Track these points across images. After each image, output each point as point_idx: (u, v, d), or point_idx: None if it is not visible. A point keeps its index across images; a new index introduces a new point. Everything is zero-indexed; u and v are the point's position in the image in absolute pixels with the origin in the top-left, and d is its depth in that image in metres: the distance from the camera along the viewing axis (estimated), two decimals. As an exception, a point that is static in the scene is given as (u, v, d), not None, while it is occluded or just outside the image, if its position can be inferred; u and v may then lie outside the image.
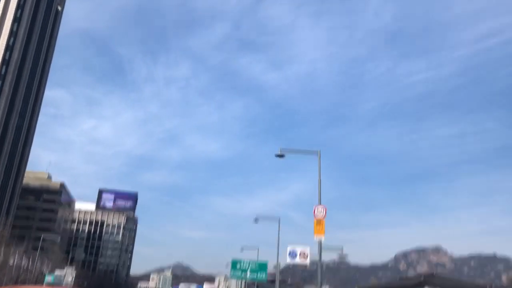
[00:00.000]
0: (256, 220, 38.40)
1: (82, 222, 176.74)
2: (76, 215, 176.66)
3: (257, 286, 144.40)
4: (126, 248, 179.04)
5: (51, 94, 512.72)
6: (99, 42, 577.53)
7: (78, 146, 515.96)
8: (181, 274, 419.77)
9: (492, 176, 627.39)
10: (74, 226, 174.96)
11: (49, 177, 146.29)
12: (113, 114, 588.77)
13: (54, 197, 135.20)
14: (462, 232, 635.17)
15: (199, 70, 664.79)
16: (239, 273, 39.36)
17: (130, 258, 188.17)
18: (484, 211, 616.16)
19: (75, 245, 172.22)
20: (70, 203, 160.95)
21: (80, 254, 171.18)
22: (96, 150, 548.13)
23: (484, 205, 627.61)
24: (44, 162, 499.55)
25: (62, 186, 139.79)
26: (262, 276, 39.58)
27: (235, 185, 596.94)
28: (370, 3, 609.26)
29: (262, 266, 39.74)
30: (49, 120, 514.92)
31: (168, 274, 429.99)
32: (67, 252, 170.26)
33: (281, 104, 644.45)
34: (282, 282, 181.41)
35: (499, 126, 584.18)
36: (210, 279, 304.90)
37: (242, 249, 46.15)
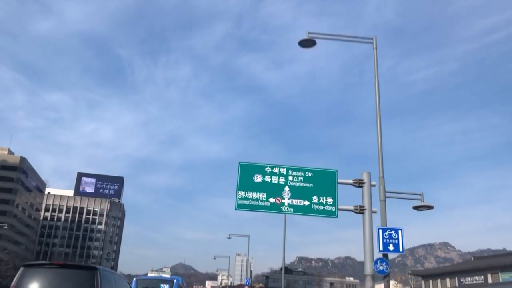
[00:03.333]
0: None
1: (57, 210, 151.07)
2: (50, 201, 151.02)
3: (267, 277, 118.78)
4: (111, 239, 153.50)
5: (51, 98, 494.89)
6: (98, 44, 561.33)
7: (79, 150, 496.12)
8: (183, 273, 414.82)
9: (497, 172, 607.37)
10: (48, 214, 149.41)
11: (11, 153, 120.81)
12: (114, 116, 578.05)
13: (12, 174, 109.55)
14: (468, 229, 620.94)
15: (199, 71, 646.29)
16: (261, 196, 13.63)
17: (117, 251, 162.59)
18: (488, 207, 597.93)
19: (49, 235, 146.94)
20: (40, 186, 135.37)
21: (55, 244, 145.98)
22: (97, 153, 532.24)
23: (488, 202, 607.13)
24: (45, 166, 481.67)
25: (23, 161, 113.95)
26: (327, 203, 13.79)
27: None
28: (371, 0, 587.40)
29: (327, 178, 14.08)
30: (50, 124, 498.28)
31: (167, 272, 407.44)
32: (40, 244, 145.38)
33: (282, 104, 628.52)
34: (301, 271, 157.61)
35: (503, 122, 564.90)
36: (213, 277, 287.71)
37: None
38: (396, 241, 12.06)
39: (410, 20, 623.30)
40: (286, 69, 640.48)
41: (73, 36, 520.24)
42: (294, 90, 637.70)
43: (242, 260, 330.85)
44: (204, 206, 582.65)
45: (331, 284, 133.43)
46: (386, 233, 12.05)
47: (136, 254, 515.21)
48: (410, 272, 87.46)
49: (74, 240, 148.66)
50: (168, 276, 33.97)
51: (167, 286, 26.48)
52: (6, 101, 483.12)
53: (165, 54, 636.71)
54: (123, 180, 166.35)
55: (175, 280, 26.77)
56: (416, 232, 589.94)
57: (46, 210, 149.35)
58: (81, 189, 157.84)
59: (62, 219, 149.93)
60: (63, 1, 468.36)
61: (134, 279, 26.38)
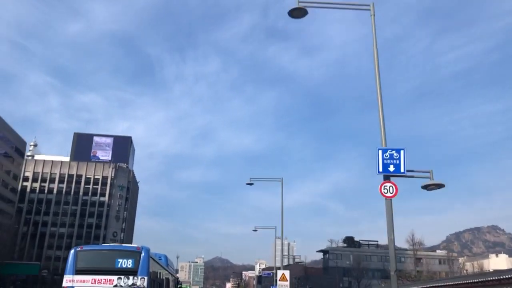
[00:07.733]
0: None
1: (49, 179, 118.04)
2: (39, 169, 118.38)
3: (326, 253, 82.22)
4: (117, 215, 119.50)
5: (83, 99, 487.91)
6: (127, 43, 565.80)
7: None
8: (220, 266, 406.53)
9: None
10: (37, 185, 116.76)
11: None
12: (146, 114, 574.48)
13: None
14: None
15: (228, 64, 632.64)
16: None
17: (127, 230, 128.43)
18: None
19: (38, 212, 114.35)
20: (19, 146, 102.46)
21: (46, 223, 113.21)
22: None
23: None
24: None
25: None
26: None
27: (271, 177, 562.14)
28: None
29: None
30: (84, 125, 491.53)
31: (200, 262, 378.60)
32: (27, 223, 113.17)
33: (313, 92, 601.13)
34: (373, 244, 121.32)
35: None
36: (250, 269, 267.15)
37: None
38: (398, 162, 11.17)
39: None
40: (315, 57, 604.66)
41: (102, 37, 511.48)
42: (325, 78, 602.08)
43: (282, 244, 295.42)
44: (238, 200, 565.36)
45: (419, 259, 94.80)
46: (387, 154, 11.29)
47: (172, 251, 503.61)
48: None
49: (71, 217, 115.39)
50: (133, 245, 17.14)
51: (130, 261, 15.76)
52: (42, 105, 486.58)
53: (193, 49, 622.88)
54: (131, 140, 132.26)
55: (143, 252, 16.00)
56: (459, 217, 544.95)
57: (34, 180, 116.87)
58: (79, 152, 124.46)
59: (55, 191, 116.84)
60: (89, 2, 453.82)
61: (73, 249, 16.47)
